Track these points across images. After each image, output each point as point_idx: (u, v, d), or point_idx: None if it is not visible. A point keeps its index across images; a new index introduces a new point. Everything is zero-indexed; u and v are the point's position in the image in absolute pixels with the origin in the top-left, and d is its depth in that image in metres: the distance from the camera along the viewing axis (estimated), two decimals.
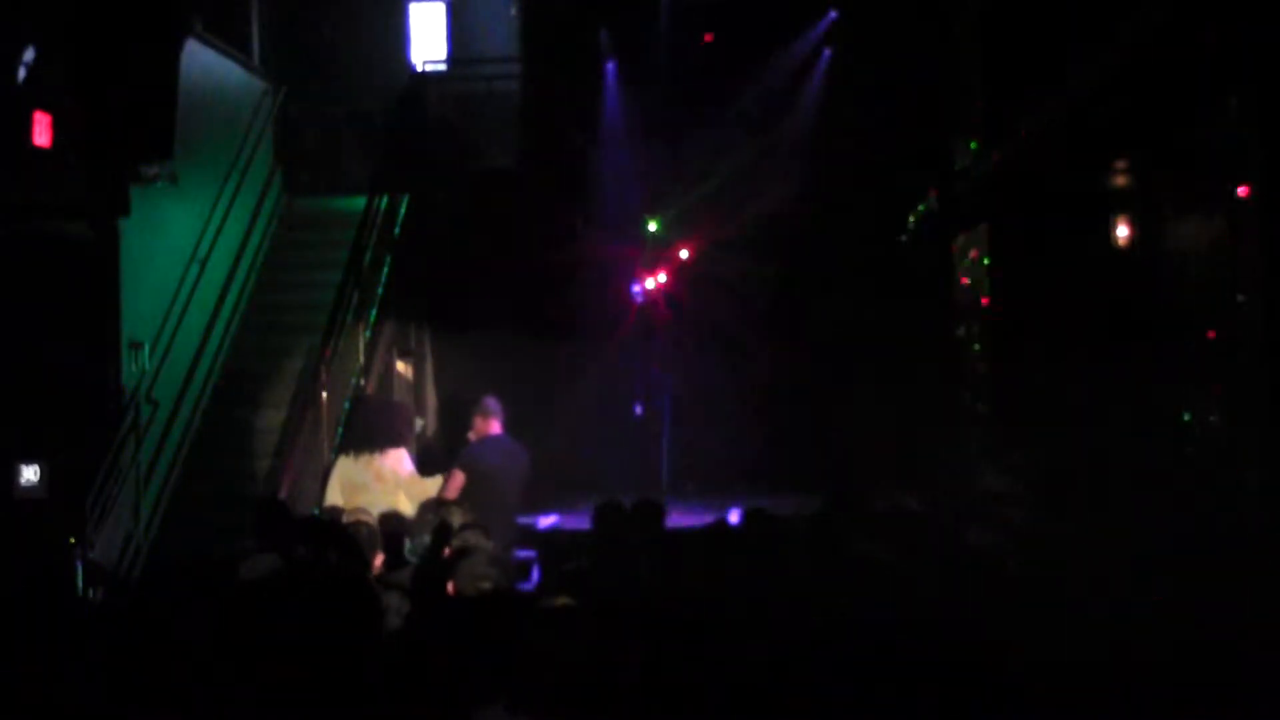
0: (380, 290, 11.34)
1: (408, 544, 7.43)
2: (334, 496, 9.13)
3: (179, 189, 10.42)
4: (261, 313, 11.52)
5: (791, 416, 12.83)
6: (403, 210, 11.94)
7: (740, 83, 13.20)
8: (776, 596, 5.38)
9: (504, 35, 14.22)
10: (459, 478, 9.02)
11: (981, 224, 11.79)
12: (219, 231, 11.10)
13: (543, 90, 13.43)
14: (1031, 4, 10.14)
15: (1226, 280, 8.40)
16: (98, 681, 4.49)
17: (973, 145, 11.56)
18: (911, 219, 12.97)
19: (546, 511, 10.69)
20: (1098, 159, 9.95)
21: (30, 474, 9.35)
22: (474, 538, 6.51)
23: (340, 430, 10.08)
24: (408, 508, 8.95)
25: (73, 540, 8.81)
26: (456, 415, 11.03)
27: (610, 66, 13.55)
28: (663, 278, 13.40)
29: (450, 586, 5.88)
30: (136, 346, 10.04)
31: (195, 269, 10.74)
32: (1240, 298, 8.18)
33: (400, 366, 12.53)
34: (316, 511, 8.90)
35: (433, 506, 8.66)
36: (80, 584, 8.72)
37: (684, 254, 13.32)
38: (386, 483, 9.22)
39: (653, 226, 13.40)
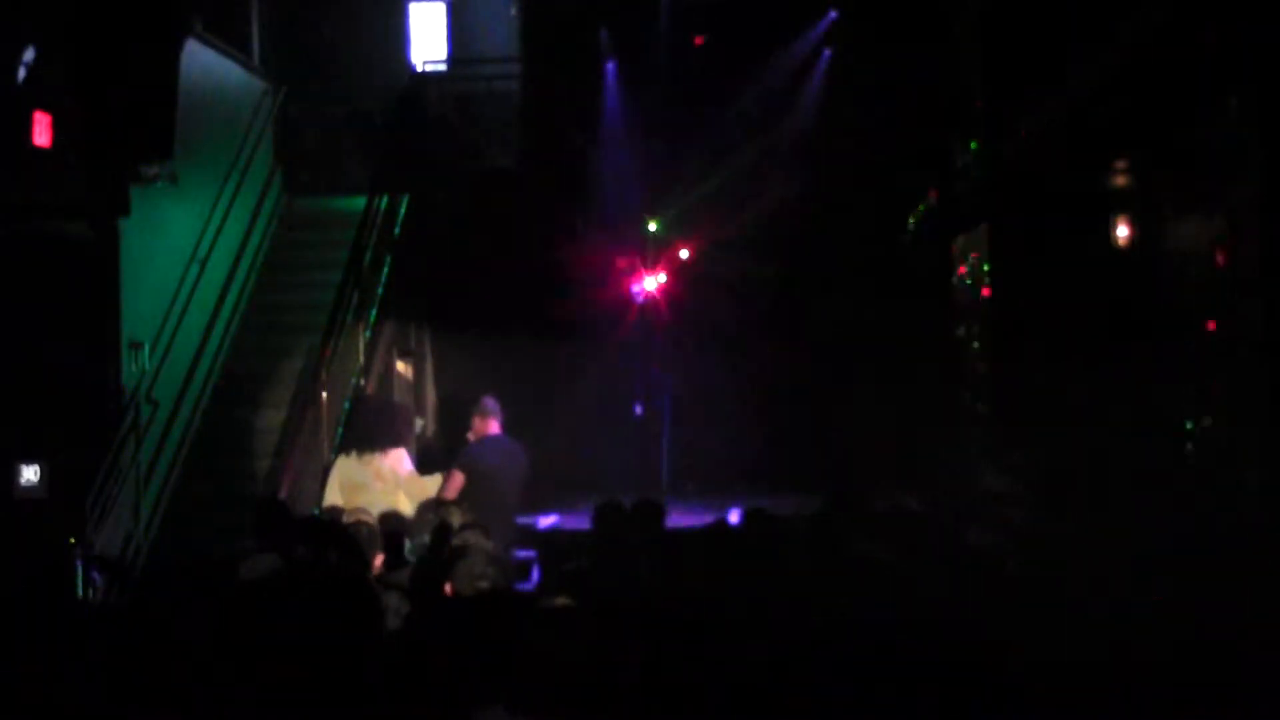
0: (380, 290, 11.33)
1: (408, 544, 7.43)
2: (334, 496, 9.13)
3: (179, 189, 10.41)
4: (261, 313, 11.52)
5: (791, 416, 12.83)
6: (403, 210, 11.94)
7: (740, 83, 13.20)
8: (776, 596, 5.38)
9: (504, 35, 14.21)
10: (458, 478, 9.02)
11: (981, 224, 11.79)
12: (219, 231, 11.10)
13: (543, 90, 13.43)
14: (1031, 4, 10.14)
15: (1226, 280, 8.41)
16: (98, 681, 4.48)
17: (973, 145, 11.56)
18: (911, 219, 12.98)
19: (546, 511, 10.69)
20: (1098, 159, 9.95)
21: (30, 474, 9.35)
22: (474, 538, 6.51)
23: (340, 430, 10.08)
24: (407, 507, 8.95)
25: (73, 540, 8.81)
26: (456, 415, 11.03)
27: (610, 66, 13.55)
28: (663, 278, 13.40)
29: (448, 587, 5.88)
30: (136, 346, 10.04)
31: (195, 269, 10.74)
32: (1240, 298, 8.19)
33: (400, 366, 12.53)
34: (316, 511, 8.90)
35: (432, 506, 8.66)
36: (80, 584, 8.72)
37: (684, 254, 13.32)
38: (386, 482, 9.23)
39: (653, 226, 13.40)
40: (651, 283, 13.43)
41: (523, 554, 9.34)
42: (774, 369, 12.86)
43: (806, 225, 12.60)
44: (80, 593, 8.71)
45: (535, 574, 9.19)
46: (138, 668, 4.47)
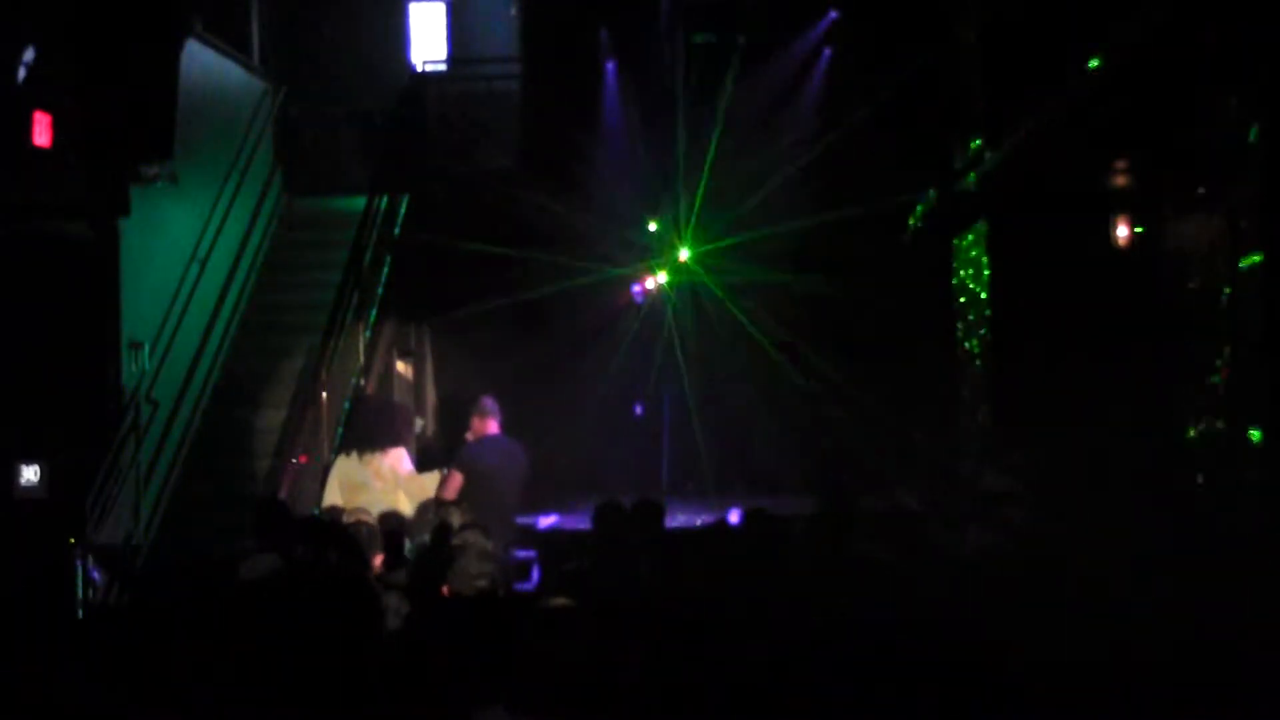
0: (380, 290, 11.33)
1: (407, 544, 7.43)
2: (334, 496, 9.14)
3: (179, 189, 10.41)
4: (261, 313, 11.52)
5: (792, 416, 12.83)
6: (403, 210, 11.93)
7: (740, 82, 13.19)
8: (776, 596, 5.38)
9: (504, 35, 14.21)
10: (456, 478, 9.02)
11: (981, 223, 11.79)
12: (219, 231, 11.09)
13: (543, 90, 13.42)
14: (1032, 4, 10.13)
15: (1226, 280, 8.41)
16: (98, 681, 4.48)
17: (973, 145, 11.55)
18: (912, 219, 12.97)
19: (546, 511, 10.69)
20: (1098, 159, 9.95)
21: (30, 474, 9.34)
22: (473, 538, 6.51)
23: (340, 430, 10.08)
24: (407, 507, 8.96)
25: (73, 540, 8.81)
26: (456, 415, 11.03)
27: (610, 66, 13.54)
28: (663, 278, 13.40)
29: (446, 586, 5.88)
30: (136, 346, 10.04)
31: (195, 269, 10.74)
32: (1240, 297, 8.19)
33: (400, 366, 12.53)
34: (316, 511, 8.90)
35: (432, 506, 8.67)
36: (80, 584, 8.72)
37: (684, 254, 13.32)
38: (386, 481, 9.24)
39: (653, 227, 13.40)
40: (651, 283, 13.42)
41: (523, 554, 9.34)
42: (774, 369, 12.85)
43: (806, 225, 12.59)
44: (80, 593, 8.71)
45: (535, 574, 9.19)
46: (138, 668, 4.47)
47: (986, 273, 11.65)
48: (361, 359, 10.84)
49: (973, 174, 11.55)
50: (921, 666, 4.46)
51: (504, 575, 7.07)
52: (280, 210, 12.50)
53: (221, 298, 10.93)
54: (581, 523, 9.11)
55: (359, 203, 11.68)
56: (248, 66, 12.43)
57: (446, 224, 12.27)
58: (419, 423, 11.52)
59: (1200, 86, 8.26)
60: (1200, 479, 8.56)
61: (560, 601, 4.75)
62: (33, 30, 9.50)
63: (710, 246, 13.22)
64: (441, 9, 14.42)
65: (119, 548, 9.02)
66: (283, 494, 9.10)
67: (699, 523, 9.90)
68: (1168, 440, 8.97)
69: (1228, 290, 8.38)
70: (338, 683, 4.12)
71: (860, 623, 4.88)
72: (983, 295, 11.74)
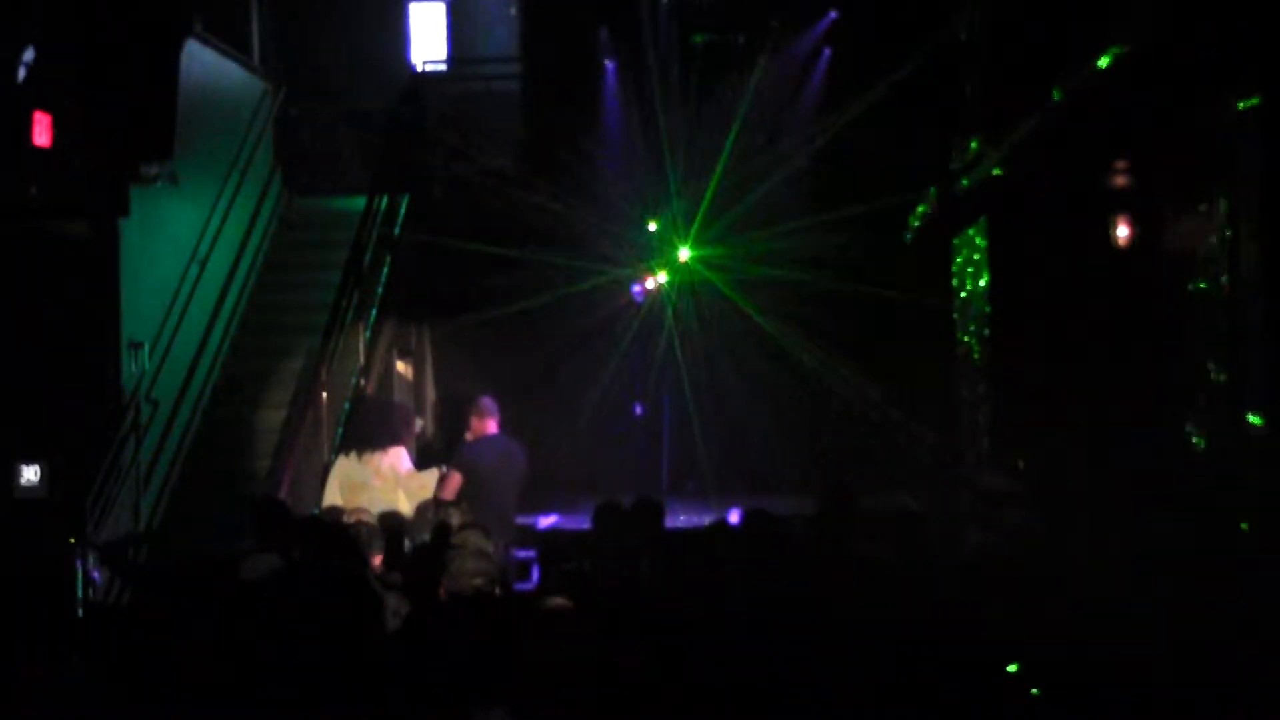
0: (380, 290, 11.33)
1: (407, 544, 7.43)
2: (333, 496, 9.14)
3: (179, 189, 10.41)
4: (261, 312, 11.52)
5: (792, 416, 12.83)
6: (403, 210, 11.94)
7: (741, 82, 13.19)
8: (776, 596, 5.38)
9: (504, 35, 14.22)
10: (455, 478, 9.02)
11: (981, 223, 11.79)
12: (219, 231, 11.09)
13: (543, 90, 13.43)
14: (1031, 3, 10.14)
15: (1226, 280, 8.40)
16: (98, 681, 4.49)
17: (973, 145, 11.55)
18: (912, 219, 12.98)
19: (546, 511, 10.69)
20: (1098, 159, 9.95)
21: (30, 474, 9.34)
22: (473, 537, 6.51)
23: (340, 430, 10.08)
24: (406, 506, 8.96)
25: (73, 540, 8.81)
26: (456, 415, 11.03)
27: (610, 66, 13.54)
28: (663, 278, 13.40)
29: (442, 586, 5.88)
30: (136, 346, 10.03)
31: (195, 269, 10.74)
32: (1240, 297, 8.19)
33: (400, 366, 12.53)
34: (316, 511, 8.90)
35: (431, 506, 8.67)
36: (80, 584, 8.72)
37: (684, 254, 13.32)
38: (386, 480, 9.24)
39: (653, 226, 13.40)
40: (651, 283, 13.42)
41: (523, 554, 9.33)
42: (774, 369, 12.86)
43: (806, 225, 12.59)
44: (80, 593, 8.71)
45: (535, 574, 9.18)
46: (138, 668, 4.47)
47: (986, 272, 11.65)
48: (361, 359, 10.84)
49: (973, 174, 11.55)
50: (921, 666, 4.46)
51: (503, 575, 7.06)
52: (280, 210, 12.50)
53: (221, 298, 10.93)
54: (581, 523, 9.10)
55: (359, 203, 11.68)
56: (248, 66, 12.42)
57: (446, 224, 12.27)
58: (419, 423, 11.50)
59: (1200, 86, 8.26)
60: (1200, 478, 8.56)
61: (560, 601, 4.75)
62: (33, 30, 9.50)
63: (710, 246, 13.22)
64: (441, 9, 14.42)
65: (122, 543, 9.02)
66: (283, 494, 9.10)
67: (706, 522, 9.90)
68: (1168, 440, 8.97)
69: (1228, 290, 8.38)
70: (338, 682, 4.12)
71: (860, 623, 4.88)
72: (983, 295, 11.75)
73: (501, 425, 9.48)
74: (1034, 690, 4.59)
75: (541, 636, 4.34)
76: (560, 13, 13.52)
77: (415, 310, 12.52)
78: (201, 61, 11.13)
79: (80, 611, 8.52)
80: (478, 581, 5.73)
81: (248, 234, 11.62)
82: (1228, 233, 8.35)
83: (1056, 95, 8.97)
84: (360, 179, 12.43)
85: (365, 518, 7.41)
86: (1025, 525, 8.19)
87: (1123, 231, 10.17)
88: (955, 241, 12.39)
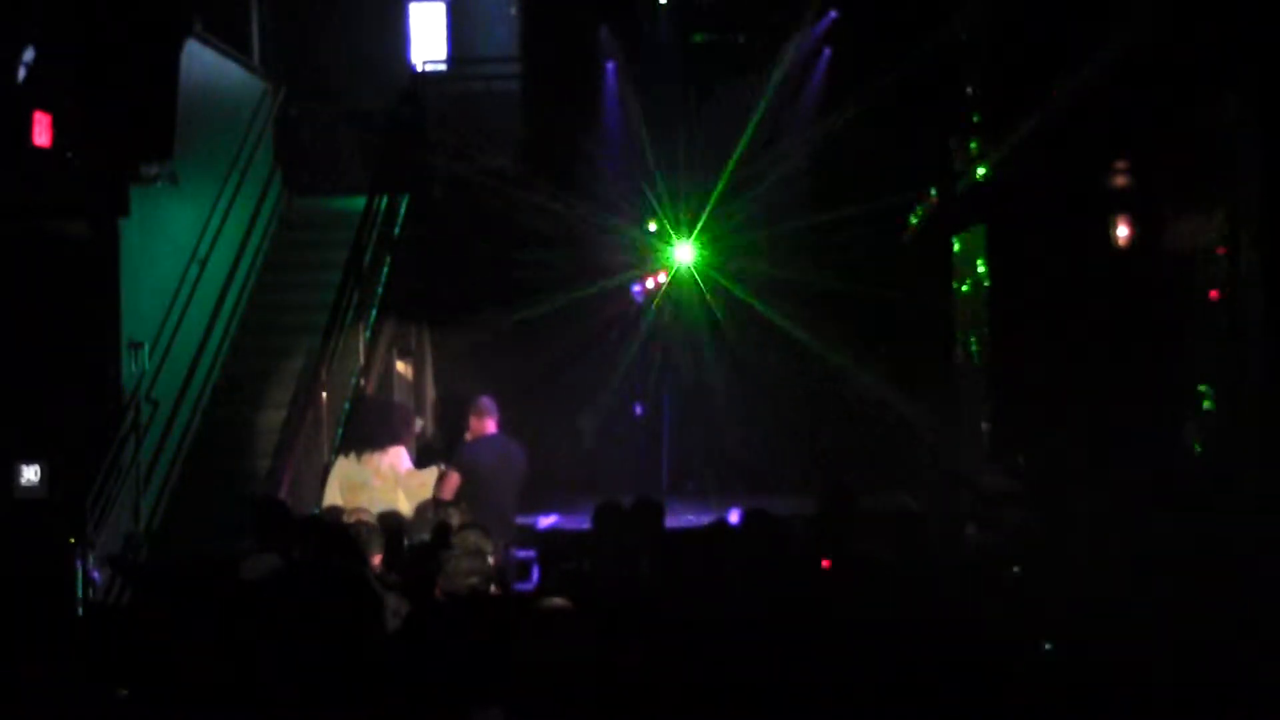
0: (380, 290, 11.32)
1: (406, 543, 7.43)
2: (334, 496, 9.13)
3: (179, 189, 10.41)
4: (261, 312, 11.51)
5: (791, 416, 12.83)
6: (403, 210, 11.93)
7: (741, 82, 13.19)
8: (776, 596, 5.38)
9: (504, 35, 14.21)
10: (453, 478, 9.02)
11: (981, 224, 11.79)
12: (219, 231, 11.09)
13: (543, 90, 13.43)
14: (1032, 4, 10.14)
15: (1227, 279, 8.41)
16: (98, 681, 4.49)
17: (973, 145, 11.56)
18: (912, 219, 12.98)
19: (546, 511, 10.69)
20: (1097, 159, 9.95)
21: (30, 474, 9.34)
22: (472, 537, 6.51)
23: (340, 430, 10.08)
24: (406, 506, 8.95)
25: (73, 540, 8.81)
26: (455, 415, 11.02)
27: (610, 66, 13.54)
28: (663, 278, 13.40)
29: (438, 586, 5.89)
30: (136, 346, 10.03)
31: (195, 269, 10.73)
32: (1240, 297, 8.19)
33: (400, 366, 12.52)
34: (316, 511, 8.90)
35: (431, 506, 8.66)
36: (80, 584, 8.72)
37: (684, 254, 13.32)
38: (386, 480, 9.23)
39: (653, 226, 13.40)
40: (651, 283, 13.42)
41: (523, 554, 9.33)
42: (774, 369, 12.86)
43: (806, 225, 12.60)
44: (80, 593, 8.71)
45: (535, 574, 9.18)
46: (138, 668, 4.47)
47: (986, 272, 11.66)
48: (361, 359, 10.83)
49: (973, 173, 11.56)
50: (921, 666, 4.46)
51: (501, 574, 7.06)
52: (280, 210, 12.49)
53: (221, 298, 10.92)
54: (581, 523, 9.10)
55: (359, 203, 11.67)
56: (248, 66, 12.42)
57: (446, 224, 12.27)
58: (419, 423, 11.50)
59: (1199, 86, 8.26)
60: (1200, 478, 8.57)
61: (559, 601, 4.75)
62: (33, 30, 9.50)
63: (710, 246, 13.22)
64: (441, 9, 14.42)
65: (126, 551, 9.01)
66: (283, 494, 9.10)
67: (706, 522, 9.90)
68: (1168, 440, 8.97)
69: (1228, 290, 8.38)
70: (338, 682, 4.12)
71: (860, 623, 4.88)
72: (983, 295, 11.75)
73: (501, 425, 9.47)
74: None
75: (541, 636, 4.33)
76: (560, 13, 13.52)
77: (415, 310, 12.51)
78: (201, 61, 11.12)
79: (80, 611, 8.52)
80: (473, 580, 5.73)
81: (248, 234, 11.62)
82: (1227, 233, 8.35)
83: (1056, 96, 8.97)
84: (360, 179, 12.42)
85: (365, 518, 7.41)
86: (1025, 525, 8.20)
87: (1123, 231, 10.18)
88: (955, 241, 12.39)
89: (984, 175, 11.24)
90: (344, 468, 9.34)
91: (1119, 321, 9.71)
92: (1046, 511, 8.89)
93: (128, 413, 9.78)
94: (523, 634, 4.40)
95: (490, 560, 6.43)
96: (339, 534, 6.50)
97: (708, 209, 13.11)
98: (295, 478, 9.60)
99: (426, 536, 7.53)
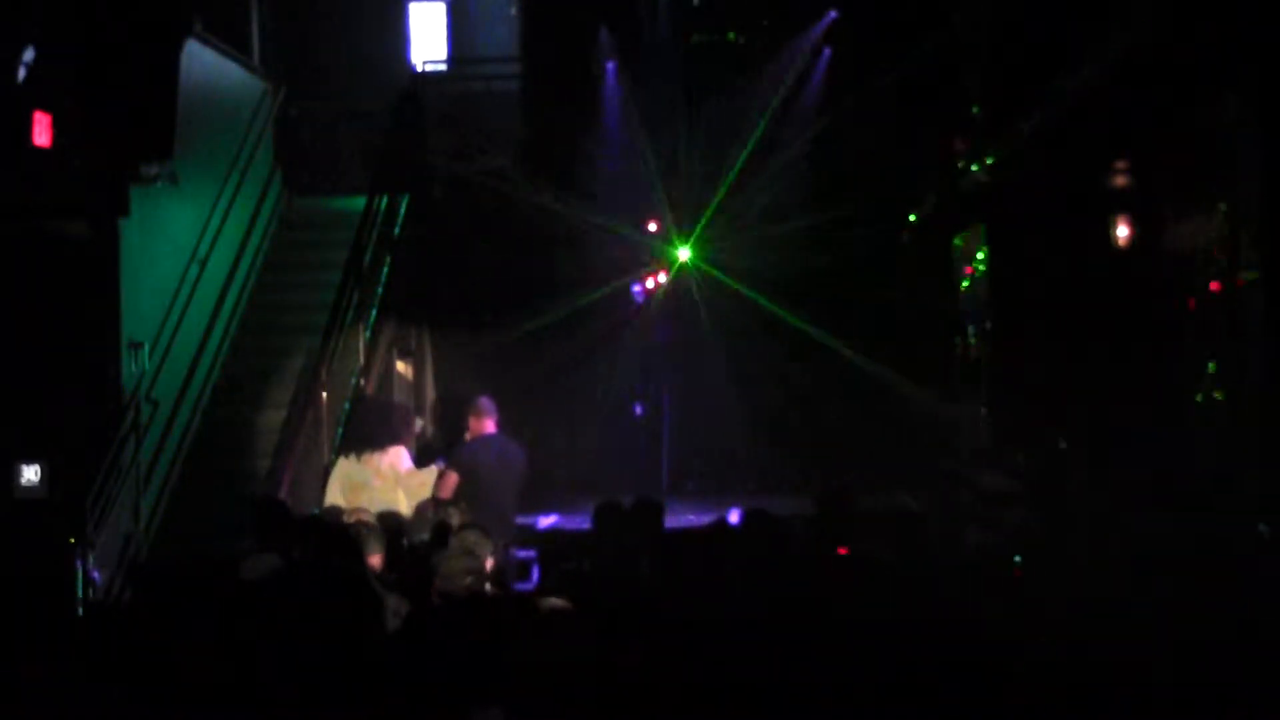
0: (380, 290, 11.33)
1: (406, 543, 7.43)
2: (335, 496, 9.14)
3: (179, 189, 10.41)
4: (261, 312, 11.51)
5: (791, 416, 12.83)
6: (403, 210, 11.93)
7: (740, 82, 13.20)
8: (776, 596, 5.38)
9: (504, 35, 14.22)
10: (452, 478, 9.01)
11: (981, 223, 11.79)
12: (219, 231, 11.09)
13: (543, 90, 13.43)
14: (1032, 4, 10.14)
15: (1226, 279, 8.41)
16: (98, 681, 4.48)
17: (973, 144, 11.56)
18: (913, 218, 12.98)
19: (546, 511, 10.69)
20: (1098, 159, 9.95)
21: (30, 474, 9.34)
22: (472, 537, 6.51)
23: (340, 430, 10.08)
24: (406, 506, 8.96)
25: (73, 540, 8.81)
26: (455, 415, 11.02)
27: (610, 66, 13.55)
28: (663, 278, 13.40)
29: (434, 587, 5.89)
30: (136, 346, 10.03)
31: (195, 269, 10.73)
32: (1240, 297, 8.19)
33: (400, 366, 12.52)
34: (316, 511, 8.90)
35: (430, 505, 8.67)
36: (80, 584, 8.72)
37: (684, 254, 13.33)
38: (386, 480, 9.24)
39: (653, 227, 13.40)
40: (651, 283, 13.43)
41: (523, 554, 9.33)
42: (774, 369, 12.87)
43: (806, 225, 12.60)
44: (80, 593, 8.71)
45: (535, 574, 9.18)
46: (138, 668, 4.47)
47: (986, 272, 11.66)
48: (361, 359, 10.83)
49: (973, 173, 11.56)
50: (921, 666, 4.46)
51: (501, 574, 7.06)
52: (280, 210, 12.49)
53: (221, 298, 10.92)
54: (581, 523, 9.10)
55: (359, 203, 11.67)
56: (248, 66, 12.42)
57: (446, 224, 12.26)
58: (418, 423, 11.51)
59: (1199, 86, 8.27)
60: (1200, 478, 8.57)
61: (559, 601, 4.75)
62: (33, 30, 9.50)
63: (710, 246, 13.22)
64: (441, 9, 14.42)
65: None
66: (283, 494, 9.10)
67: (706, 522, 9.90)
68: (1168, 440, 8.97)
69: (1227, 289, 8.38)
70: (338, 682, 4.12)
71: (860, 623, 4.88)
72: (983, 295, 11.75)
73: (500, 425, 9.47)
74: (1034, 691, 4.59)
75: (541, 636, 4.34)
76: (560, 13, 13.53)
77: (415, 310, 12.52)
78: (201, 61, 11.13)
79: (80, 611, 8.52)
80: (468, 580, 5.73)
81: (248, 234, 11.62)
82: (1227, 232, 8.35)
83: (1056, 96, 8.98)
84: (360, 179, 12.42)
85: (365, 518, 7.41)
86: (1025, 525, 8.21)
87: (1123, 231, 10.18)
88: (955, 241, 12.39)
89: (984, 175, 11.25)
90: (345, 468, 9.34)
91: (1119, 321, 9.72)
92: (1046, 511, 8.89)
93: (128, 413, 9.78)
94: (523, 634, 4.40)
95: (489, 560, 6.44)
96: (339, 534, 6.50)
97: (708, 209, 13.12)
98: (295, 478, 9.60)
99: (426, 536, 7.53)
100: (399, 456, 9.40)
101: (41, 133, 9.33)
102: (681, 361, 13.25)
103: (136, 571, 8.58)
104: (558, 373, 12.72)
